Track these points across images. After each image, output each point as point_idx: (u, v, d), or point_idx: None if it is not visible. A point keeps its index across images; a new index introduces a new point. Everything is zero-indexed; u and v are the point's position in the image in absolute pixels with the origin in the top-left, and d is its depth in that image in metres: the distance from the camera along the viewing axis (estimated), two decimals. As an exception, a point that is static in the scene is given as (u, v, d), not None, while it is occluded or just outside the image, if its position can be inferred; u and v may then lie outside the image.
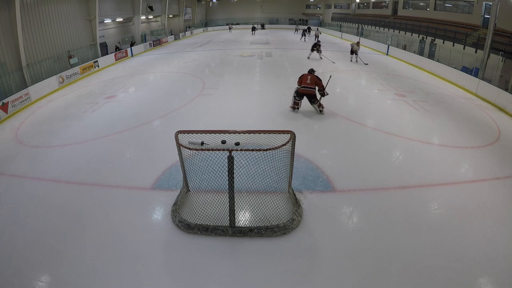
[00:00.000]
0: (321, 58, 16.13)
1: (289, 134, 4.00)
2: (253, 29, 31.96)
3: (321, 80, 7.93)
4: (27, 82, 11.25)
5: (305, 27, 30.19)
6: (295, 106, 8.25)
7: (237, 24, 39.45)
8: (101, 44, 17.91)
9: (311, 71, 8.27)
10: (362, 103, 9.30)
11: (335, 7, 36.53)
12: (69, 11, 14.94)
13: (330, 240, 3.88)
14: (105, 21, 19.20)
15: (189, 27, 34.46)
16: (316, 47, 16.03)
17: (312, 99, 7.98)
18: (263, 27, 37.80)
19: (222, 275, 3.42)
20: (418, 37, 18.36)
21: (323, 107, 8.14)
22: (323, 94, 8.05)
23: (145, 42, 22.71)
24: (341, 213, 4.41)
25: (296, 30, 33.41)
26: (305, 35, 25.51)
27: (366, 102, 9.37)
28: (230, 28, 36.26)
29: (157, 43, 23.78)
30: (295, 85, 11.45)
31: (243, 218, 4.19)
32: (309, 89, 7.85)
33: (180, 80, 12.50)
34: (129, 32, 22.83)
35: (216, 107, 8.85)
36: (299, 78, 8.15)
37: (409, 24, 20.09)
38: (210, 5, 41.64)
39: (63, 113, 9.04)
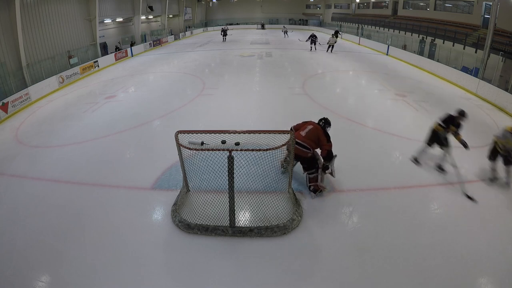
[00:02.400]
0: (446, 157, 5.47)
1: (289, 134, 4.00)
2: (223, 33, 25.30)
3: (328, 137, 4.64)
4: (27, 82, 11.26)
5: (312, 33, 20.90)
6: (283, 164, 5.19)
7: (237, 24, 39.45)
8: (101, 44, 17.92)
9: (323, 122, 4.91)
10: (362, 103, 9.29)
11: (335, 7, 36.54)
12: (69, 11, 14.94)
13: (330, 240, 3.88)
14: (105, 21, 19.20)
15: (189, 27, 34.46)
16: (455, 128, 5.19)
17: (305, 165, 4.71)
18: (263, 27, 37.79)
19: (222, 275, 3.42)
20: (418, 37, 18.36)
21: (318, 188, 4.69)
22: (325, 165, 4.65)
23: (145, 42, 22.72)
24: (341, 213, 4.40)
25: (285, 33, 28.60)
26: (314, 43, 19.29)
27: (366, 102, 9.36)
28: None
29: (157, 43, 23.79)
30: (295, 85, 11.58)
31: (243, 218, 4.19)
32: (301, 148, 4.52)
33: (180, 80, 12.50)
34: (129, 32, 22.83)
35: (216, 107, 8.85)
36: (296, 125, 4.99)
37: (409, 24, 20.09)
38: (210, 5, 41.65)
39: (63, 113, 9.04)
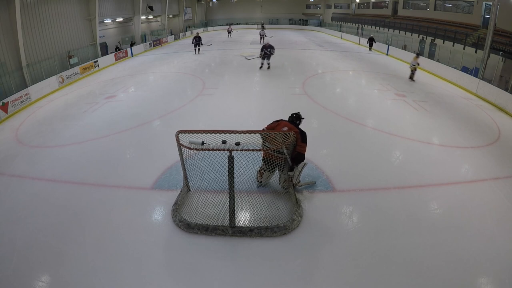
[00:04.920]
0: None
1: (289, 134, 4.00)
2: (195, 40, 18.20)
3: (304, 136, 4.35)
4: (27, 82, 11.25)
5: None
6: (259, 177, 4.78)
7: (237, 24, 39.41)
8: (101, 44, 17.90)
9: (294, 119, 4.58)
10: (362, 103, 9.29)
11: (335, 7, 36.59)
12: (69, 11, 14.93)
13: (330, 240, 3.88)
14: (105, 21, 19.19)
15: (189, 27, 34.45)
16: None
17: (277, 167, 4.27)
18: (263, 27, 37.77)
19: (222, 275, 3.41)
20: (418, 37, 18.38)
21: (291, 184, 4.53)
22: (291, 167, 4.33)
23: (145, 42, 22.71)
24: (341, 213, 4.40)
25: (262, 37, 22.77)
26: (268, 57, 13.02)
27: (366, 102, 9.36)
28: (229, 32, 28.84)
29: (157, 43, 23.78)
30: (295, 85, 11.58)
31: (243, 218, 4.19)
32: (275, 154, 4.14)
33: (180, 80, 12.49)
34: (129, 32, 22.82)
35: (216, 107, 8.85)
36: (269, 125, 4.65)
37: (409, 24, 20.12)
38: (210, 5, 41.65)
39: (63, 113, 9.04)
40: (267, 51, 12.86)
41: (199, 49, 18.61)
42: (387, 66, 15.21)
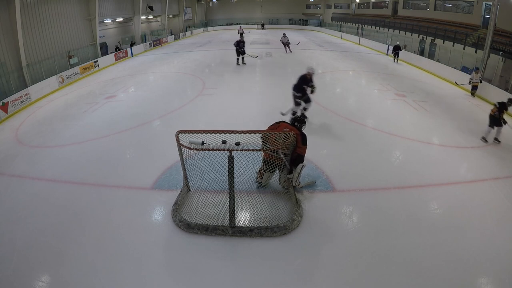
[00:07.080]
0: None
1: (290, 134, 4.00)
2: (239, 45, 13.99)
3: (304, 138, 4.45)
4: (27, 82, 11.26)
5: None
6: (259, 178, 4.74)
7: (237, 24, 39.43)
8: (101, 44, 17.92)
9: (297, 121, 4.73)
10: (362, 103, 9.29)
11: (335, 7, 36.59)
12: (69, 11, 14.94)
13: (330, 240, 3.88)
14: (105, 21, 19.20)
15: (189, 27, 34.47)
16: None
17: (277, 168, 4.27)
18: (263, 27, 37.79)
19: (222, 274, 3.41)
20: (418, 37, 18.38)
21: (292, 185, 4.52)
22: (290, 170, 4.41)
23: (145, 42, 22.72)
24: (341, 213, 4.40)
25: (287, 45, 17.60)
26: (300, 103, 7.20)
27: (366, 102, 9.36)
28: (241, 34, 22.89)
29: (157, 43, 23.78)
30: (295, 85, 11.56)
31: (243, 218, 4.19)
32: (273, 154, 4.15)
33: (180, 80, 12.49)
34: (129, 32, 22.82)
35: (216, 107, 8.85)
36: (271, 126, 4.69)
37: (409, 24, 20.13)
38: (210, 5, 41.65)
39: (63, 113, 9.04)
40: (302, 92, 7.09)
41: (243, 58, 14.28)
42: (387, 66, 15.21)
